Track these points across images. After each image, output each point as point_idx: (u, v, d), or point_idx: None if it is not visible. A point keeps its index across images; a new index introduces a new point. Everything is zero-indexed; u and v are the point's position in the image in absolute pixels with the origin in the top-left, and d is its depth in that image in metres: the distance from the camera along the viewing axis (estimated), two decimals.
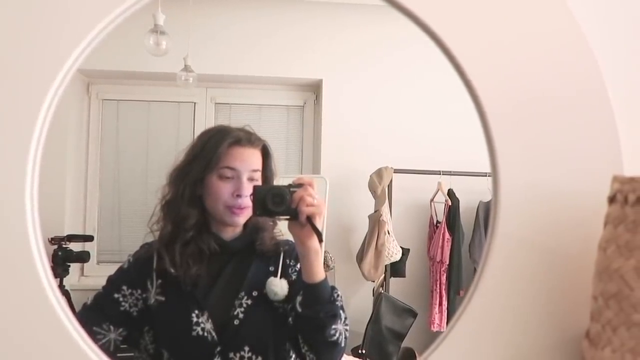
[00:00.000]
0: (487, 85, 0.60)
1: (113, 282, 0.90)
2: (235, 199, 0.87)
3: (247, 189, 0.87)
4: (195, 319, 0.85)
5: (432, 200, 2.49)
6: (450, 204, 2.42)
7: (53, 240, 2.14)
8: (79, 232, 2.48)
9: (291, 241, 0.85)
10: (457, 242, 2.39)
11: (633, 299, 0.47)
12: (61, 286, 2.11)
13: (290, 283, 0.89)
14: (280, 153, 2.69)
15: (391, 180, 2.38)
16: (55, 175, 2.33)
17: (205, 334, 0.84)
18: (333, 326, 0.80)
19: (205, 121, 2.66)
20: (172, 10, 1.90)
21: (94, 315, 0.87)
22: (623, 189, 0.50)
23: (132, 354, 0.91)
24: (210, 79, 2.55)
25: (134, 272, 0.90)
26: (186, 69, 2.09)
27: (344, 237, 2.53)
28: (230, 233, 0.92)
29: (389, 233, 2.32)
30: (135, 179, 2.64)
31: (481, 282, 0.60)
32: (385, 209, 2.34)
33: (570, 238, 0.59)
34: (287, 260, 0.92)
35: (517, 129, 0.60)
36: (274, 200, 0.76)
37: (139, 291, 0.89)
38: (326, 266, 2.26)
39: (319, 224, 0.77)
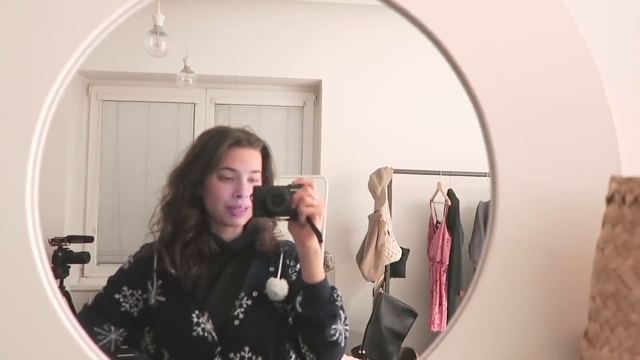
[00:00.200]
0: (485, 85, 0.60)
1: (114, 283, 0.90)
2: (236, 200, 0.88)
3: (247, 190, 0.87)
4: (195, 320, 0.85)
5: (431, 200, 2.49)
6: (450, 204, 2.42)
7: (53, 241, 2.14)
8: (79, 233, 2.48)
9: (291, 242, 0.85)
10: (457, 242, 2.39)
11: (631, 298, 0.48)
12: (61, 287, 2.11)
13: (290, 283, 0.89)
14: (280, 153, 2.69)
15: (391, 181, 2.38)
16: (55, 176, 2.33)
17: (206, 334, 0.84)
18: (333, 326, 0.80)
19: (205, 122, 2.66)
20: (172, 11, 1.90)
21: (94, 315, 0.87)
22: (621, 189, 0.50)
23: (132, 355, 0.92)
24: (209, 79, 2.55)
25: (135, 272, 0.91)
26: (186, 69, 2.09)
27: (343, 238, 2.53)
28: (230, 234, 0.93)
29: (388, 233, 2.33)
30: (135, 179, 2.64)
31: (480, 282, 0.60)
32: (385, 209, 2.34)
33: (569, 238, 0.59)
34: (287, 261, 0.93)
35: (515, 129, 0.60)
36: (274, 200, 0.76)
37: (140, 292, 0.89)
38: (326, 266, 2.26)
39: (318, 224, 0.77)
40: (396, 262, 2.37)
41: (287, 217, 0.77)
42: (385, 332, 2.13)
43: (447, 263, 2.38)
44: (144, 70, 2.41)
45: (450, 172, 2.36)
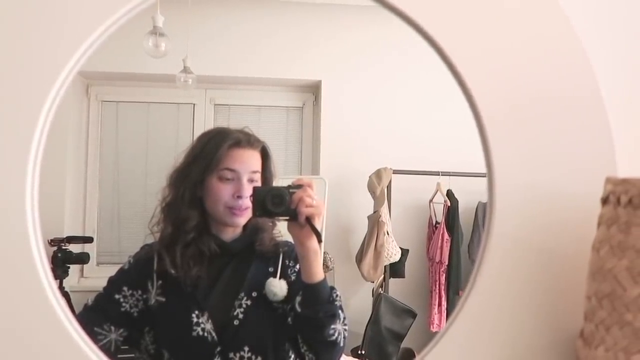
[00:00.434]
0: (481, 87, 0.61)
1: (114, 283, 0.91)
2: (236, 200, 0.88)
3: (247, 190, 0.87)
4: (195, 320, 0.85)
5: (431, 200, 2.49)
6: (449, 204, 2.42)
7: (52, 242, 2.14)
8: (79, 233, 2.49)
9: (290, 242, 0.86)
10: (456, 243, 2.39)
11: (626, 298, 0.48)
12: (61, 288, 2.12)
13: (289, 284, 0.89)
14: (280, 154, 2.69)
15: (390, 181, 2.38)
16: (54, 177, 2.33)
17: (206, 334, 0.85)
18: (332, 326, 0.81)
19: (205, 122, 2.67)
20: (171, 12, 1.90)
21: (94, 316, 0.87)
22: (616, 190, 0.51)
23: (132, 355, 0.92)
24: (209, 80, 2.55)
25: (135, 273, 0.91)
26: (185, 70, 2.09)
27: (343, 238, 2.54)
28: (230, 234, 0.93)
29: (388, 234, 2.33)
30: (134, 180, 2.65)
31: (477, 282, 0.61)
32: (384, 209, 2.34)
33: (565, 238, 0.60)
34: (287, 261, 0.93)
35: (512, 130, 0.61)
36: (274, 201, 0.76)
37: (140, 292, 0.89)
38: (325, 267, 2.26)
39: (318, 224, 0.77)
40: (395, 262, 2.37)
41: (287, 218, 0.78)
42: (385, 333, 2.14)
43: (447, 263, 2.39)
44: (143, 71, 2.42)
45: (449, 172, 2.36)
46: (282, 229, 0.90)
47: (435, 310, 2.39)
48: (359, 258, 2.37)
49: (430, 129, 2.49)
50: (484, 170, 0.63)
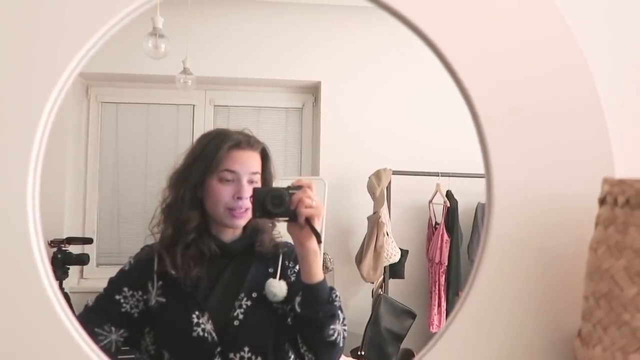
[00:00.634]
0: (480, 88, 0.61)
1: (114, 284, 0.91)
2: (236, 201, 0.88)
3: (247, 191, 0.88)
4: (195, 320, 0.86)
5: (430, 201, 2.50)
6: (448, 205, 2.43)
7: (52, 243, 2.14)
8: (78, 234, 2.49)
9: (290, 243, 0.86)
10: (456, 243, 2.40)
11: (623, 298, 0.48)
12: (61, 289, 2.11)
13: (289, 284, 0.90)
14: (279, 155, 2.69)
15: (390, 182, 2.39)
16: (54, 178, 2.33)
17: (206, 334, 0.85)
18: (331, 326, 0.81)
19: (204, 123, 2.67)
20: (171, 13, 1.91)
21: (95, 316, 0.87)
22: (613, 190, 0.51)
23: (133, 356, 0.92)
24: (209, 81, 2.55)
25: (135, 273, 0.91)
26: (185, 71, 2.09)
27: (343, 239, 2.54)
28: (230, 235, 0.93)
29: (387, 234, 2.33)
30: (134, 181, 2.65)
31: (476, 282, 0.61)
32: (384, 210, 2.34)
33: (563, 239, 0.60)
34: (286, 262, 0.93)
35: (510, 131, 0.61)
36: (273, 202, 0.77)
37: (140, 292, 0.89)
38: (325, 268, 2.26)
39: (317, 225, 0.78)
40: (395, 263, 2.38)
41: (287, 219, 0.78)
42: (385, 333, 2.14)
43: (446, 264, 2.39)
44: (143, 72, 2.42)
45: (449, 173, 2.37)
46: (281, 230, 0.91)
47: (435, 311, 2.39)
48: (359, 259, 2.37)
49: (430, 130, 2.50)
50: (483, 171, 0.63)
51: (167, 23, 1.84)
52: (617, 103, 0.65)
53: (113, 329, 0.87)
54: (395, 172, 2.38)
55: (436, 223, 2.48)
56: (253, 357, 0.86)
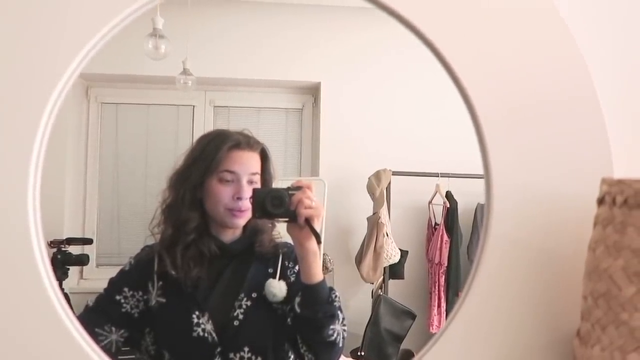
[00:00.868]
0: (479, 89, 0.61)
1: (114, 284, 0.91)
2: (236, 202, 0.89)
3: (247, 192, 0.88)
4: (195, 320, 0.86)
5: (430, 202, 2.50)
6: (448, 206, 2.43)
7: (52, 244, 2.14)
8: (78, 235, 2.49)
9: (290, 243, 0.86)
10: (456, 244, 2.40)
11: (621, 298, 0.49)
12: (60, 289, 2.11)
13: (288, 285, 0.90)
14: (279, 156, 2.70)
15: (389, 183, 2.39)
16: (54, 179, 2.33)
17: (206, 334, 0.85)
18: (331, 326, 0.81)
19: (204, 124, 2.67)
20: (171, 14, 1.91)
21: (95, 316, 0.88)
22: (611, 190, 0.51)
23: (133, 356, 0.92)
24: (209, 82, 2.56)
25: (135, 274, 0.92)
26: (185, 72, 2.10)
27: (342, 240, 2.54)
28: (230, 236, 0.94)
29: (387, 235, 2.33)
30: (134, 181, 2.65)
31: (475, 282, 0.61)
32: (383, 211, 2.35)
33: (562, 239, 0.60)
34: (286, 262, 0.94)
35: (509, 132, 0.61)
36: (273, 202, 0.77)
37: (140, 293, 0.90)
38: (325, 268, 2.26)
39: (317, 226, 0.78)
40: (395, 263, 2.38)
41: (286, 219, 0.78)
42: (384, 334, 2.14)
43: (446, 264, 2.39)
44: (143, 73, 2.42)
45: (448, 174, 2.37)
46: (281, 231, 0.91)
47: (435, 311, 2.39)
48: (359, 259, 2.38)
49: (429, 130, 2.50)
50: (482, 171, 0.63)
51: (167, 24, 1.85)
52: (616, 103, 0.65)
53: (113, 329, 0.87)
54: (395, 173, 2.38)
55: (436, 224, 2.49)
56: (253, 357, 0.86)
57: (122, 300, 0.89)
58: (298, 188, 0.78)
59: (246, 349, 0.86)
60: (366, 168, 2.39)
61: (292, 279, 0.92)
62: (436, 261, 2.40)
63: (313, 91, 2.74)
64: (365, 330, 2.15)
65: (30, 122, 0.59)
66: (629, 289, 0.48)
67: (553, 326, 0.60)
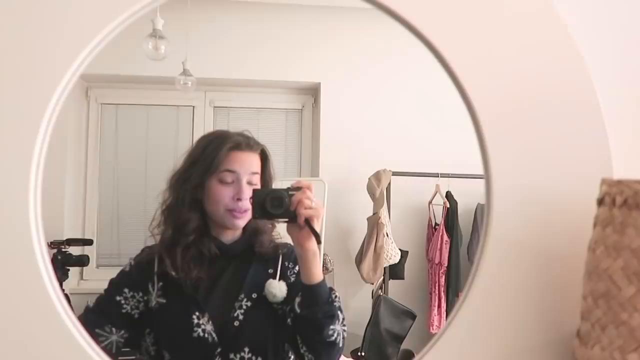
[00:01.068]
0: (479, 90, 0.61)
1: (115, 285, 0.91)
2: (236, 203, 0.89)
3: (247, 193, 0.88)
4: (196, 321, 0.86)
5: (430, 202, 2.50)
6: (448, 206, 2.43)
7: (52, 244, 2.14)
8: (78, 235, 2.48)
9: (290, 244, 0.86)
10: (456, 244, 2.40)
11: (621, 298, 0.49)
12: (61, 290, 2.11)
13: (288, 285, 0.90)
14: (279, 156, 2.70)
15: (389, 183, 2.39)
16: (54, 179, 2.33)
17: (206, 335, 0.85)
18: (331, 327, 0.81)
19: (204, 125, 2.67)
20: (171, 14, 1.91)
21: (96, 317, 0.88)
22: (611, 191, 0.51)
23: (133, 357, 0.92)
24: (209, 82, 2.56)
25: (136, 274, 0.92)
26: (185, 72, 2.10)
27: (342, 240, 2.54)
28: (230, 236, 0.94)
29: (387, 235, 2.33)
30: (134, 182, 2.65)
31: (475, 283, 0.61)
32: (383, 211, 2.35)
33: (562, 239, 0.60)
34: (286, 263, 0.94)
35: (509, 133, 0.61)
36: (273, 203, 0.77)
37: (141, 294, 0.90)
38: (325, 269, 2.26)
39: (317, 226, 0.78)
40: (395, 264, 2.38)
41: (286, 220, 0.78)
42: (385, 334, 2.14)
43: (446, 265, 2.39)
44: (143, 74, 2.42)
45: (448, 174, 2.37)
46: (281, 231, 0.91)
47: (435, 311, 2.39)
48: (359, 260, 2.38)
49: (429, 131, 2.50)
50: (482, 172, 0.63)
51: (167, 24, 1.85)
52: (615, 104, 0.65)
53: (114, 329, 0.87)
54: (394, 173, 2.38)
55: (436, 224, 2.49)
56: (253, 358, 0.86)
57: (123, 301, 0.89)
58: (298, 188, 0.78)
59: (246, 350, 0.86)
60: (366, 168, 2.39)
61: (292, 279, 0.92)
62: (436, 261, 2.40)
63: (313, 92, 2.74)
64: (365, 331, 2.15)
65: (32, 123, 0.59)
66: (629, 289, 0.48)
67: (553, 326, 0.60)
